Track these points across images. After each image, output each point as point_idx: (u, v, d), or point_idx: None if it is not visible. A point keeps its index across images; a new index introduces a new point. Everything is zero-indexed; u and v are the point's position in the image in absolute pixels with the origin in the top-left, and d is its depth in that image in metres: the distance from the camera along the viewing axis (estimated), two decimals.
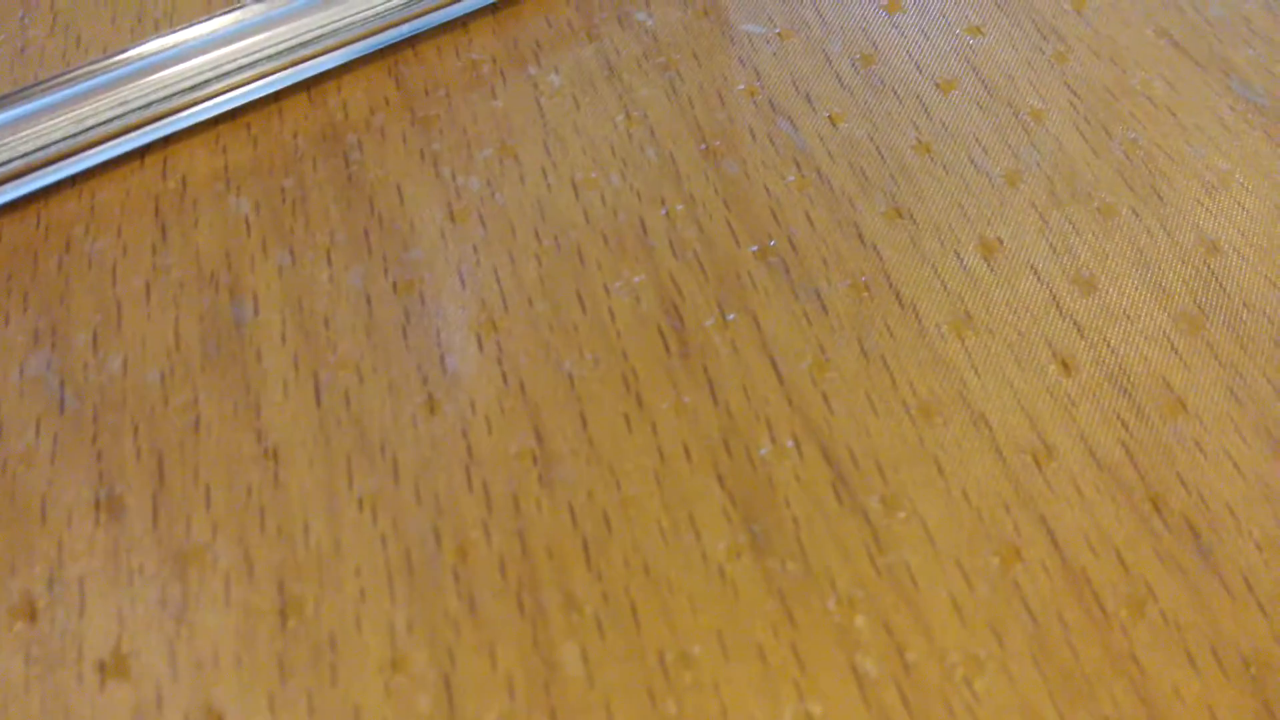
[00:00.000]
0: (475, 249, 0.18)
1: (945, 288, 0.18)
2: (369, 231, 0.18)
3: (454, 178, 0.19)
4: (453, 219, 0.19)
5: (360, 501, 0.15)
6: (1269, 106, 0.20)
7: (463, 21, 0.21)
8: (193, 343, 0.17)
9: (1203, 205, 0.18)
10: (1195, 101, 0.20)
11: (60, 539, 0.15)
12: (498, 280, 0.18)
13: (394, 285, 0.18)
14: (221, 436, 0.16)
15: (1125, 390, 0.16)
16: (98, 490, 0.16)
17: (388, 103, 0.20)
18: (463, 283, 0.18)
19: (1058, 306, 0.17)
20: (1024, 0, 0.21)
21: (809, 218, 0.18)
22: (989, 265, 0.18)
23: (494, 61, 0.21)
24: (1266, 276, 0.18)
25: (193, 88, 0.19)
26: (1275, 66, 0.20)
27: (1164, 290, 0.17)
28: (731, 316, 0.17)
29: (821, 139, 0.19)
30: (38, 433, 0.16)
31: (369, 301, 0.17)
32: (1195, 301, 0.17)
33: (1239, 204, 0.19)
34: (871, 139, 0.19)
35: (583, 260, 0.18)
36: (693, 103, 0.20)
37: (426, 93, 0.20)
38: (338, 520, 0.15)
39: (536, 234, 0.18)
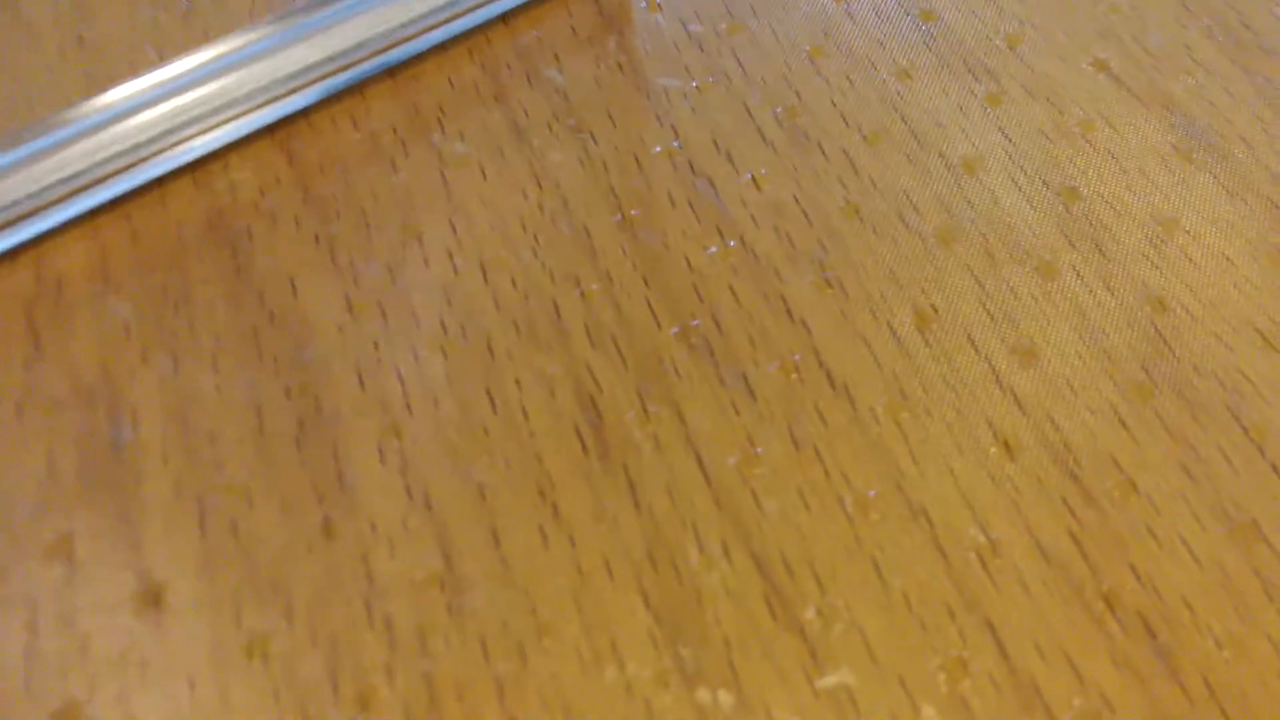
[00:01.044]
0: (376, 345, 0.17)
1: (879, 365, 0.16)
2: (259, 330, 0.17)
3: (352, 264, 0.18)
4: (351, 311, 0.17)
5: (250, 647, 0.14)
6: (1215, 144, 0.19)
7: (359, 88, 0.20)
8: (68, 470, 0.16)
9: (1148, 259, 0.17)
10: (1136, 141, 0.19)
11: None
12: (400, 379, 0.16)
13: (287, 391, 0.16)
14: (99, 578, 0.15)
15: (1071, 472, 0.15)
16: None
17: (279, 182, 0.19)
18: (362, 384, 0.16)
19: (998, 381, 0.16)
20: (954, 37, 0.20)
21: (733, 292, 0.17)
22: (924, 338, 0.17)
23: (394, 131, 0.19)
24: (1216, 334, 0.17)
25: (67, 179, 0.18)
26: (1217, 97, 0.19)
27: (1109, 357, 0.16)
28: (653, 409, 0.16)
29: (744, 203, 0.18)
30: None
31: (259, 412, 0.16)
32: (1143, 367, 0.16)
33: (1185, 255, 0.18)
34: (797, 200, 0.18)
35: (492, 352, 0.17)
36: (607, 167, 0.19)
37: (321, 169, 0.19)
38: (225, 671, 0.14)
39: (442, 324, 0.17)
